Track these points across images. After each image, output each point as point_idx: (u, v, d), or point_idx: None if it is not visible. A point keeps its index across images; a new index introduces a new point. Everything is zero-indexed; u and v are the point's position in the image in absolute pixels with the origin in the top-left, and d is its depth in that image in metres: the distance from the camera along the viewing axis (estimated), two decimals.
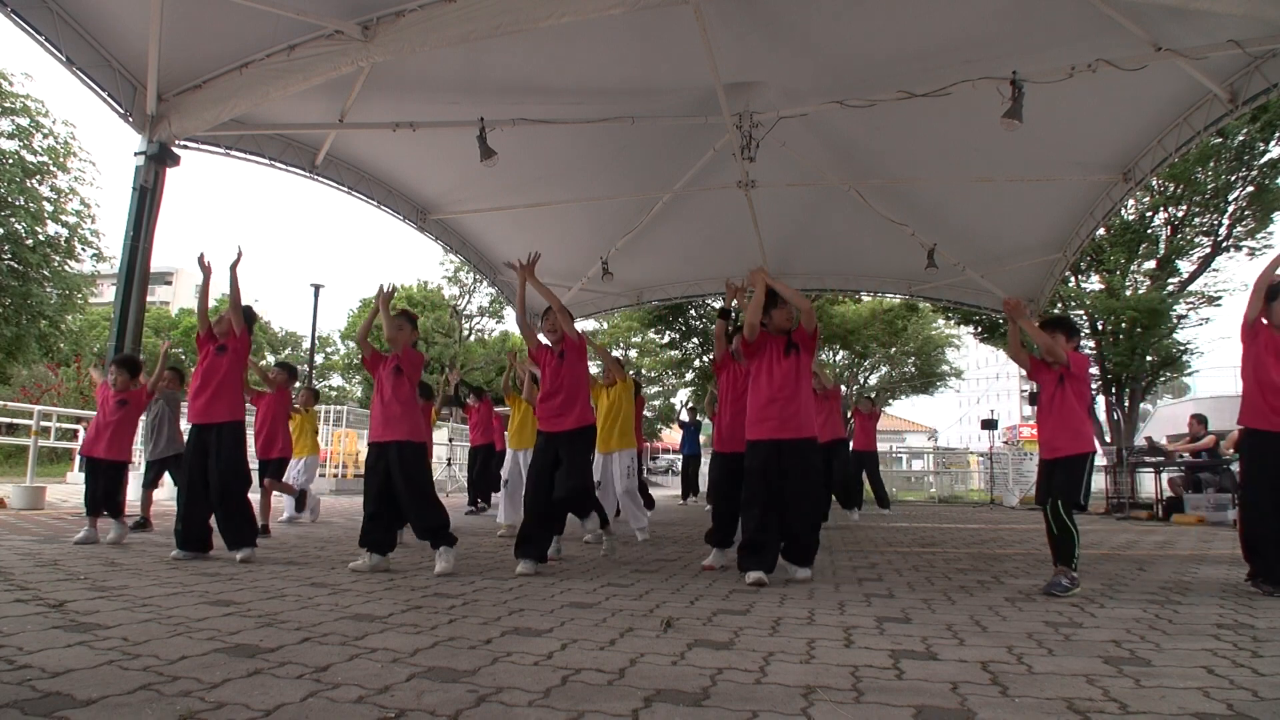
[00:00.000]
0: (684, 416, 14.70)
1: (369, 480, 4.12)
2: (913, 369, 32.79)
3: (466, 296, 36.06)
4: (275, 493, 6.66)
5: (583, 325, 34.57)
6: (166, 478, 6.41)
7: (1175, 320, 18.70)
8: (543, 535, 4.22)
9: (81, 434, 13.93)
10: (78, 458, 14.29)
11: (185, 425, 5.15)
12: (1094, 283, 20.82)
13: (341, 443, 15.68)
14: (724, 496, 4.64)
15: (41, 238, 22.39)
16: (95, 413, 5.47)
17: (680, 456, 16.52)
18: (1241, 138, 16.44)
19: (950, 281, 14.21)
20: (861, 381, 31.47)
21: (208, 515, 4.45)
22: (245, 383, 5.16)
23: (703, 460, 13.88)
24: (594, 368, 6.96)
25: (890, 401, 34.87)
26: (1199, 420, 10.69)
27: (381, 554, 4.08)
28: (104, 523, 5.22)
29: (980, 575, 4.34)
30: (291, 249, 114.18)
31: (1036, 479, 3.99)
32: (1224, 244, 18.36)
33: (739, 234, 12.69)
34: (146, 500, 6.31)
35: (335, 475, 14.79)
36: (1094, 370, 20.42)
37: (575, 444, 4.25)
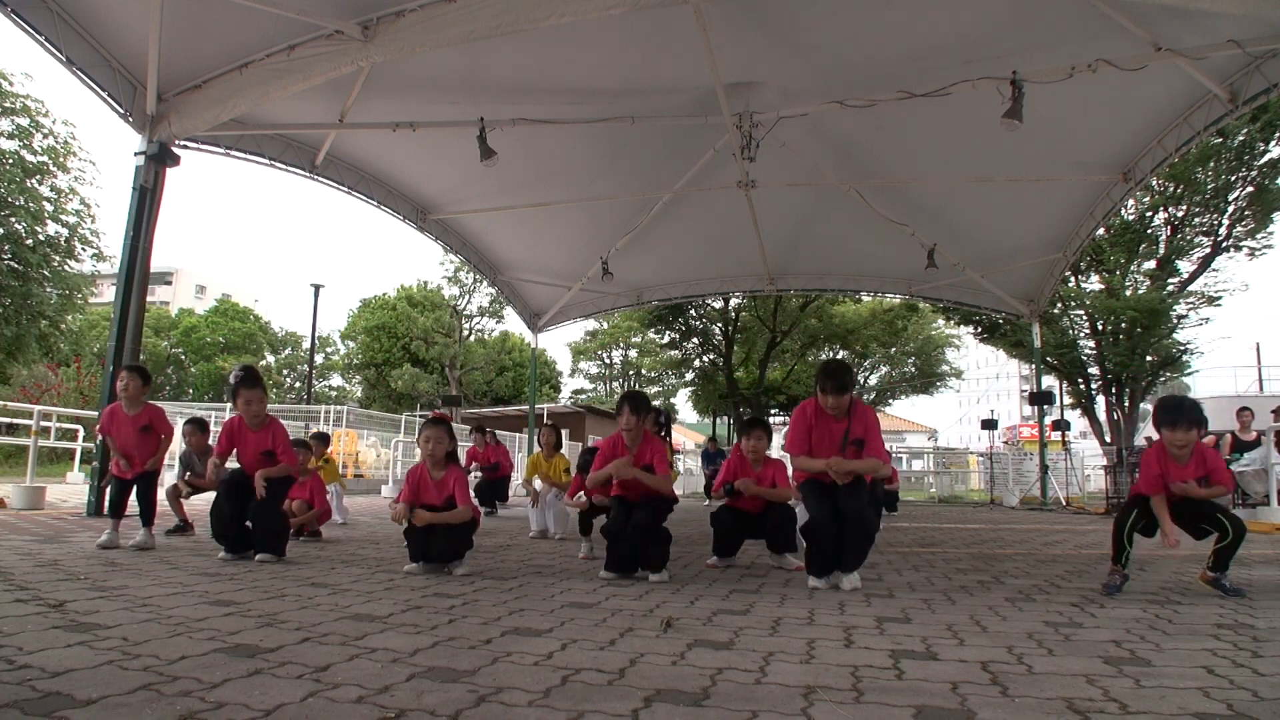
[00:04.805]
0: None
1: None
2: (913, 369, 32.81)
3: (466, 296, 36.09)
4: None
5: (583, 325, 34.48)
6: None
7: (1175, 320, 18.71)
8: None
9: (82, 434, 13.92)
10: (78, 458, 14.29)
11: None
12: (1094, 283, 20.84)
13: (341, 442, 15.66)
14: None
15: (41, 238, 22.40)
16: (101, 429, 5.03)
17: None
18: (1241, 138, 16.44)
19: (950, 281, 14.21)
20: (861, 381, 31.51)
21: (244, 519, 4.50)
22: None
23: None
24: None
25: (890, 401, 34.94)
26: None
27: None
28: (125, 526, 5.00)
29: (980, 575, 4.34)
30: (291, 249, 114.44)
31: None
32: (1224, 244, 18.36)
33: (739, 234, 12.70)
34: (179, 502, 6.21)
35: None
36: (1094, 370, 20.46)
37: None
